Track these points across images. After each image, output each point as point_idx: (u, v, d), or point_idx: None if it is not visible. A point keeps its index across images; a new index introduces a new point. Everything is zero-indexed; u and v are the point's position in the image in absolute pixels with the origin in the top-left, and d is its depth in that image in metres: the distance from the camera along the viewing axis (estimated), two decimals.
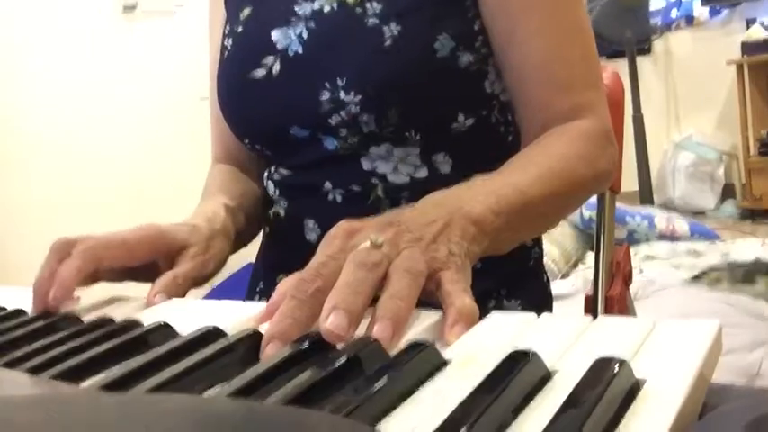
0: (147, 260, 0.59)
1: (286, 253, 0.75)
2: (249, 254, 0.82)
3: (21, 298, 0.58)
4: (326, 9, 0.69)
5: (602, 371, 0.28)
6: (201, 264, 0.62)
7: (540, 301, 0.77)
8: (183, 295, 0.58)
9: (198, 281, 0.61)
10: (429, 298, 0.42)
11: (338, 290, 0.39)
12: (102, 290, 0.58)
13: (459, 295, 0.40)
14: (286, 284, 0.44)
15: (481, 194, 0.52)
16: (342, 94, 0.66)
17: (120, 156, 2.64)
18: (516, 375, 0.29)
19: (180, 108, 2.56)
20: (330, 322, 0.36)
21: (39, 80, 2.49)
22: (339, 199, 0.70)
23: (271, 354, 0.37)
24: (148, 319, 0.45)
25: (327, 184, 0.70)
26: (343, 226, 0.45)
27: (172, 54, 2.68)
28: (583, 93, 0.67)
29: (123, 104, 2.67)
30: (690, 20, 4.17)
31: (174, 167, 2.60)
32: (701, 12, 4.12)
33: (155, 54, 2.75)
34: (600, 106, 0.68)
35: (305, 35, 0.69)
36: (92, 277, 0.57)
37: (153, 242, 0.59)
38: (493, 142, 0.72)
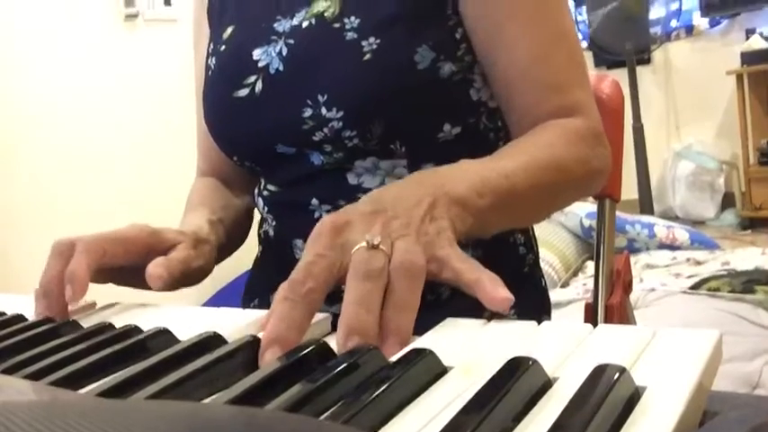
0: (141, 258, 0.59)
1: (277, 273, 0.74)
2: (247, 262, 0.82)
3: (20, 304, 0.58)
4: (305, 24, 0.69)
5: (603, 378, 0.28)
6: (193, 257, 0.63)
7: (537, 308, 0.76)
8: (177, 277, 0.59)
9: (186, 276, 0.62)
10: (433, 279, 0.42)
11: (350, 310, 0.39)
12: (102, 295, 0.58)
13: (476, 269, 0.42)
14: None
15: (466, 175, 0.52)
16: (323, 111, 0.65)
17: (121, 163, 2.64)
18: (516, 383, 0.29)
19: (181, 115, 2.55)
20: (348, 349, 0.37)
21: (41, 88, 2.49)
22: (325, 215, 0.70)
23: (270, 360, 0.37)
24: (148, 324, 0.45)
25: (314, 201, 0.70)
26: (327, 222, 0.45)
27: (173, 62, 2.69)
28: (571, 93, 0.67)
29: (124, 112, 2.67)
30: (689, 30, 4.18)
31: (175, 174, 2.60)
32: (700, 22, 4.13)
33: (156, 63, 2.75)
34: (589, 106, 0.68)
35: (284, 52, 0.69)
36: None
37: (147, 240, 0.60)
38: (482, 149, 0.71)
